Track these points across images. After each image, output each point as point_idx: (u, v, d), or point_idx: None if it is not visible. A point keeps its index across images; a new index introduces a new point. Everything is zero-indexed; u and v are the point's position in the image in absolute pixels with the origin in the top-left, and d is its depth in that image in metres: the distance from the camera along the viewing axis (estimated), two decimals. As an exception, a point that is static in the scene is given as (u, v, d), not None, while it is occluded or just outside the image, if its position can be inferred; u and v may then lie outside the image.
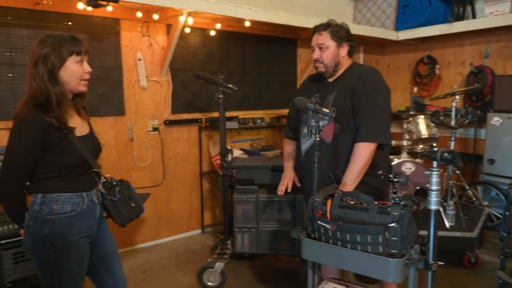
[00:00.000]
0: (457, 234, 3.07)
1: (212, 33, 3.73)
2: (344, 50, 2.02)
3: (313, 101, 2.07)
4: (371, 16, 4.76)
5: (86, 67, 1.58)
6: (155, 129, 3.60)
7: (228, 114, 3.88)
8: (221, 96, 2.84)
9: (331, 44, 1.99)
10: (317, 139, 1.68)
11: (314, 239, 1.49)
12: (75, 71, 1.54)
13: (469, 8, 4.31)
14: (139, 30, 3.41)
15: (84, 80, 1.59)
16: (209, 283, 2.84)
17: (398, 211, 1.36)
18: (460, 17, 4.30)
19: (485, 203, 3.94)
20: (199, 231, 4.00)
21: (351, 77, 2.00)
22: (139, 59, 3.42)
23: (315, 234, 1.49)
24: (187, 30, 3.54)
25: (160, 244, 3.70)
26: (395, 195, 1.42)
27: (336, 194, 1.54)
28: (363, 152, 1.86)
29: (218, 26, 3.62)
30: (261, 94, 4.35)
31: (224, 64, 4.00)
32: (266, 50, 4.32)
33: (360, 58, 5.35)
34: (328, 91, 2.03)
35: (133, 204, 1.73)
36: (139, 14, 3.12)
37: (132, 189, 1.76)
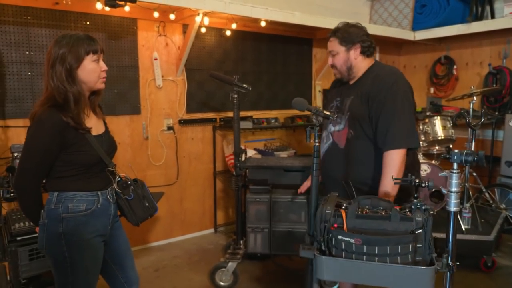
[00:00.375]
0: (473, 237, 3.03)
1: (228, 33, 3.74)
2: (355, 53, 1.96)
3: (334, 105, 2.06)
4: (388, 16, 4.71)
5: (103, 65, 1.60)
6: (169, 128, 3.63)
7: (242, 114, 3.88)
8: (235, 96, 2.85)
9: (339, 49, 1.97)
10: (316, 144, 1.64)
11: (330, 255, 1.37)
12: (92, 70, 1.56)
13: (488, 8, 4.23)
14: (156, 30, 3.45)
15: (102, 78, 1.61)
16: (221, 283, 2.85)
17: (421, 216, 1.32)
18: (479, 17, 4.22)
19: (503, 206, 3.87)
20: (212, 230, 4.02)
21: (367, 80, 1.95)
22: (155, 59, 3.45)
23: (332, 250, 1.37)
24: (203, 30, 3.56)
25: (173, 243, 3.74)
26: (416, 200, 1.38)
27: (345, 204, 1.46)
28: (394, 160, 1.79)
29: (234, 26, 3.63)
30: (276, 94, 4.34)
31: (239, 64, 4.01)
32: (281, 50, 4.31)
33: (377, 58, 5.29)
34: (347, 95, 2.01)
35: (147, 204, 1.74)
36: (156, 14, 3.15)
37: (146, 189, 1.77)
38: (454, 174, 1.30)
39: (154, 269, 3.18)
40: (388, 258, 1.29)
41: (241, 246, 3.00)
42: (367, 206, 1.44)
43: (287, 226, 2.80)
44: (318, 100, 4.64)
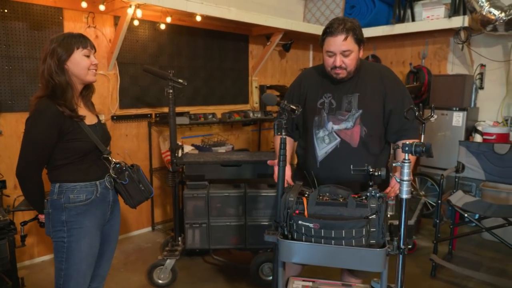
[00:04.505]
0: (397, 222, 3.28)
1: (162, 26, 3.65)
2: (360, 52, 1.84)
3: (326, 101, 1.91)
4: (320, 15, 4.91)
5: (93, 60, 1.71)
6: (102, 124, 3.47)
7: (179, 109, 3.83)
8: (171, 91, 2.80)
9: (354, 48, 1.78)
10: (283, 136, 1.63)
11: (292, 240, 1.45)
12: (81, 62, 1.66)
13: (409, 12, 4.59)
14: (84, 21, 3.27)
15: (92, 70, 1.71)
16: (160, 281, 2.81)
17: (375, 203, 1.43)
18: (401, 20, 4.57)
19: (422, 193, 4.25)
20: (149, 228, 3.93)
21: (368, 77, 1.88)
22: (84, 51, 3.27)
23: (293, 234, 1.45)
24: (136, 22, 3.44)
25: (108, 243, 3.59)
26: (371, 188, 1.48)
27: (308, 192, 1.55)
28: None
29: (169, 19, 3.55)
30: (213, 90, 4.34)
31: (174, 59, 3.94)
32: (218, 46, 4.31)
33: (310, 55, 5.51)
34: (346, 91, 1.88)
35: (142, 187, 1.86)
36: (84, 4, 2.98)
37: (141, 173, 1.89)
38: (406, 164, 1.40)
39: (87, 272, 3.04)
40: (343, 241, 1.39)
41: (179, 242, 2.97)
42: (327, 194, 1.52)
43: (225, 220, 2.83)
44: (255, 96, 4.72)
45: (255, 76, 4.70)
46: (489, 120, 4.18)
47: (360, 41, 1.80)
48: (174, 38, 3.90)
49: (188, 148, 3.64)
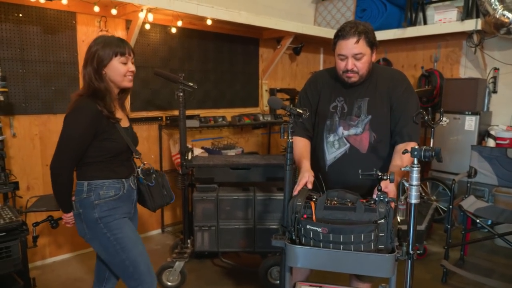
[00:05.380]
0: (406, 227, 3.24)
1: (173, 30, 3.69)
2: (373, 56, 1.82)
3: (339, 106, 1.89)
4: (331, 19, 4.90)
5: (130, 67, 1.75)
6: (113, 127, 3.51)
7: (189, 112, 3.86)
8: (181, 94, 2.83)
9: (367, 51, 1.76)
10: (290, 140, 1.64)
11: (300, 244, 1.44)
12: (118, 69, 1.70)
13: (421, 15, 4.55)
14: (97, 25, 3.31)
15: (128, 77, 1.75)
16: (169, 283, 2.82)
17: (384, 207, 1.41)
18: (413, 23, 4.53)
19: (433, 197, 4.20)
20: (159, 231, 3.96)
21: (380, 81, 1.86)
22: (96, 55, 3.31)
23: (301, 239, 1.44)
24: (147, 26, 3.48)
25: (119, 244, 3.62)
26: (379, 192, 1.46)
27: (316, 197, 1.55)
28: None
29: (180, 23, 3.59)
30: (223, 93, 4.35)
31: (185, 62, 3.97)
32: (228, 49, 4.33)
33: (320, 59, 5.50)
34: (357, 96, 1.86)
35: (165, 192, 1.93)
36: (96, 9, 3.03)
37: (165, 179, 1.96)
38: (415, 169, 1.38)
39: (97, 273, 3.07)
40: (352, 246, 1.37)
41: (189, 245, 2.99)
42: (335, 198, 1.52)
43: (234, 223, 2.83)
44: (265, 99, 4.72)
45: (265, 80, 4.71)
46: (502, 125, 4.11)
47: (373, 44, 1.78)
48: (185, 41, 3.93)
49: (198, 151, 3.66)
